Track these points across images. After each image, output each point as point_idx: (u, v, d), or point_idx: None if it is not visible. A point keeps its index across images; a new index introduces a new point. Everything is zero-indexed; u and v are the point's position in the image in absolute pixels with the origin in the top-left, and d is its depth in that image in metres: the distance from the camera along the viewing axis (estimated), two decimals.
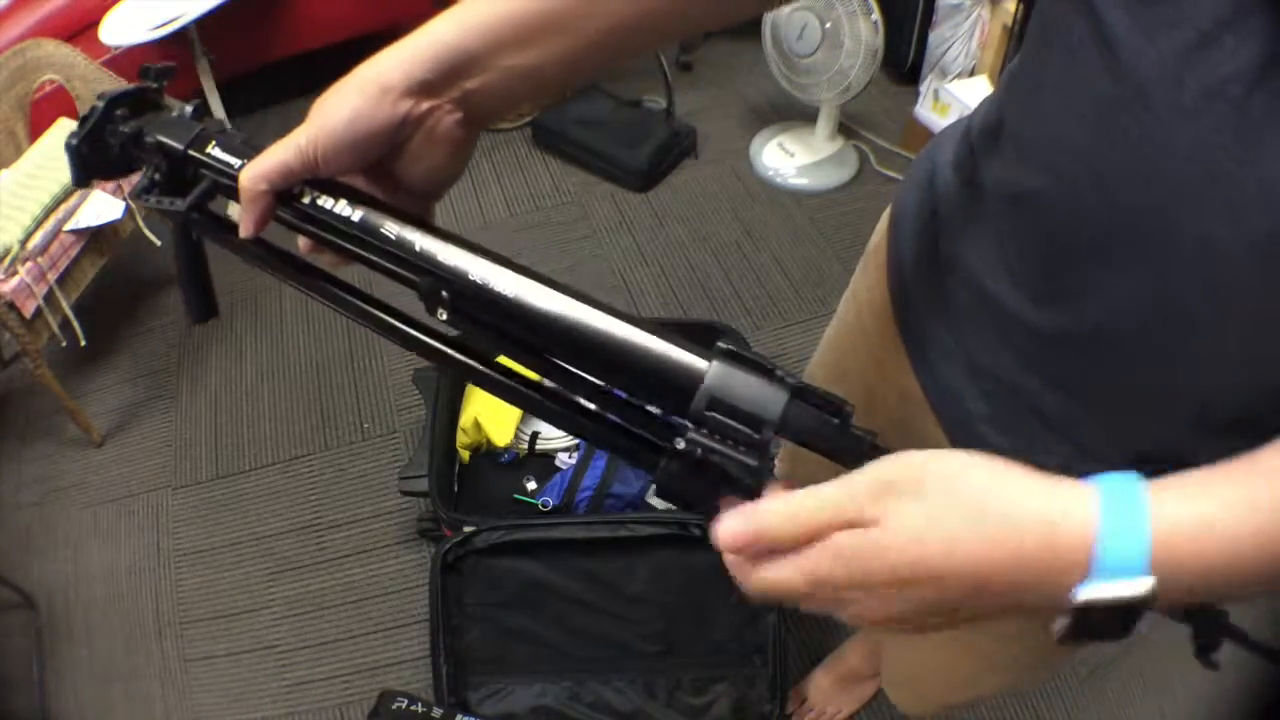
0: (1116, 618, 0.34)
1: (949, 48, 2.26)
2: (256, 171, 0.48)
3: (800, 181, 2.28)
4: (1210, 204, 0.42)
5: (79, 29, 2.09)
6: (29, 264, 1.60)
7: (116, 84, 1.77)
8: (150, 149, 0.51)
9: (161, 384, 1.99)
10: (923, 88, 2.35)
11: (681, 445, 0.41)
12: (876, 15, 1.96)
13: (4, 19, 2.09)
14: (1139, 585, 0.34)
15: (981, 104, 0.64)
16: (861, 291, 0.84)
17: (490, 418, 1.53)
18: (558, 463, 1.55)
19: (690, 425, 0.40)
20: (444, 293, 0.46)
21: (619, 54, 0.53)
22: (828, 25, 2.01)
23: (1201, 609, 0.38)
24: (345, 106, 0.47)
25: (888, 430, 0.50)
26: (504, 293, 0.44)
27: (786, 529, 0.37)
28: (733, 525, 0.38)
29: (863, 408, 0.44)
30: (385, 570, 1.65)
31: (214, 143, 0.51)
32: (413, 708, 1.35)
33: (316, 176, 0.49)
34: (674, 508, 1.43)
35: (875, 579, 0.36)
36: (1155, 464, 0.57)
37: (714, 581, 1.35)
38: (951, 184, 0.65)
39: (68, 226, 1.68)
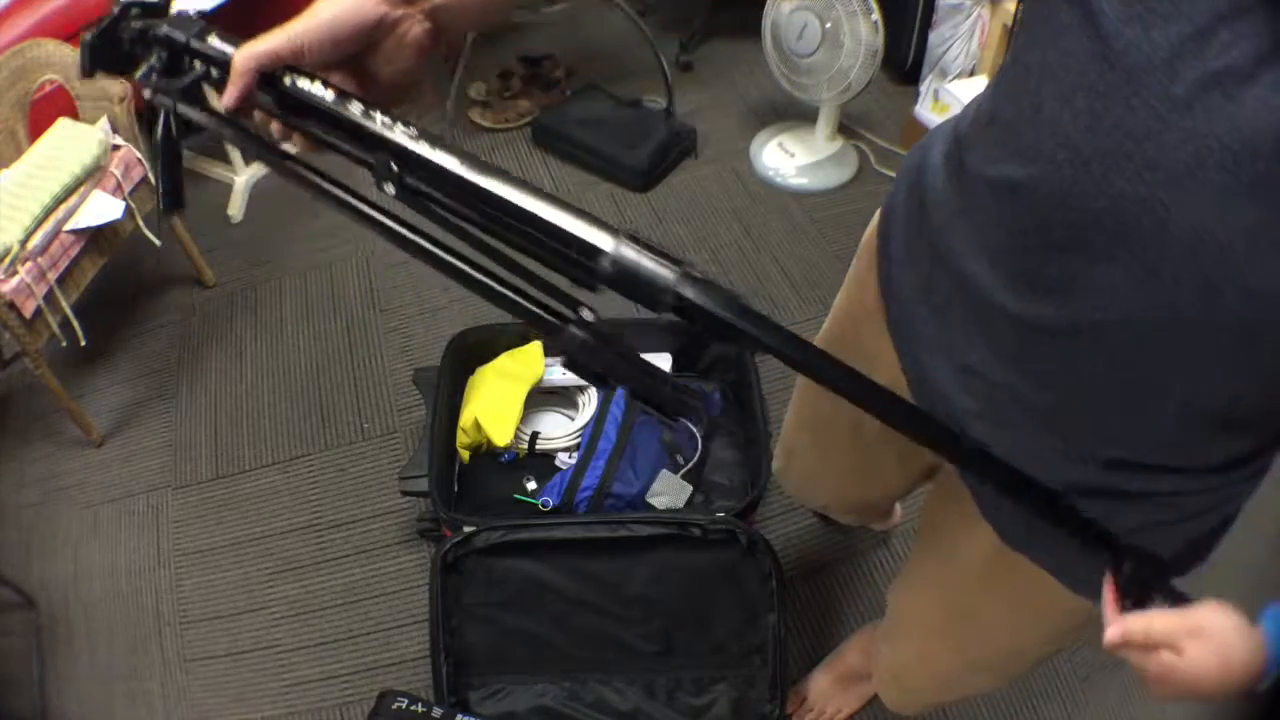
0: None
1: (949, 48, 2.26)
2: (249, 52, 0.55)
3: (800, 181, 2.28)
4: (1202, 195, 0.42)
5: (79, 29, 2.08)
6: (29, 264, 1.60)
7: (117, 84, 1.78)
8: (157, 40, 0.59)
9: (161, 384, 1.99)
10: (923, 88, 2.35)
11: (586, 314, 0.49)
12: (876, 15, 1.96)
13: (4, 19, 2.08)
14: None
15: (973, 100, 0.64)
16: (854, 285, 0.85)
17: (490, 418, 1.53)
18: (558, 463, 1.55)
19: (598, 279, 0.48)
20: (393, 166, 0.53)
21: None
22: (828, 25, 2.01)
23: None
24: (334, 5, 0.55)
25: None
26: (445, 165, 0.51)
27: (1142, 634, 0.58)
28: (1119, 629, 0.58)
29: None
30: (385, 570, 1.65)
31: (214, 34, 0.58)
32: (413, 708, 1.35)
33: (299, 65, 0.56)
34: (674, 507, 1.44)
35: (1175, 680, 0.57)
36: (1133, 468, 0.58)
37: (714, 581, 1.35)
38: (940, 177, 0.65)
39: (68, 226, 1.68)
